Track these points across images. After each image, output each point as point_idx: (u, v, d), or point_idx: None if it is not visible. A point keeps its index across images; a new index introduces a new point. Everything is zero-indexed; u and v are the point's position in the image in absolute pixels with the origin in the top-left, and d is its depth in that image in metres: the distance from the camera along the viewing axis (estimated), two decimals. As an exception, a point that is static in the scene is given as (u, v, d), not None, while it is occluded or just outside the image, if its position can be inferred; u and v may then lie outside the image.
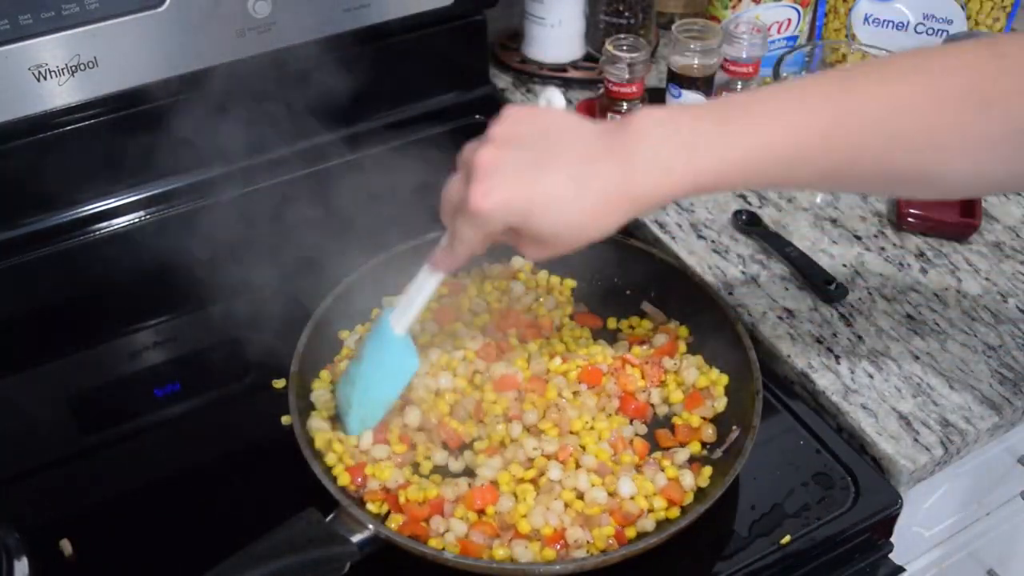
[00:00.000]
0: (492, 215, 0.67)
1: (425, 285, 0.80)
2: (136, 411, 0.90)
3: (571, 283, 0.99)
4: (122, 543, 0.79)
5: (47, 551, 0.77)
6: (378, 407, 0.83)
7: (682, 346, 0.92)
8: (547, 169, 0.66)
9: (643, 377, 0.88)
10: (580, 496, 0.79)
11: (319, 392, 0.86)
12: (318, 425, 0.83)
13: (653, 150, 0.66)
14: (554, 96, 0.76)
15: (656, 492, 0.79)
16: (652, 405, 0.87)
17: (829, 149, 0.65)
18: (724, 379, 0.88)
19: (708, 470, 0.81)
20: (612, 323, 0.95)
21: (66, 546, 0.77)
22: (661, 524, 0.78)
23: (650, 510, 0.78)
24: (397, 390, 0.83)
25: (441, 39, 1.14)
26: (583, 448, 0.82)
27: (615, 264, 0.96)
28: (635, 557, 0.74)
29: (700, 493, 0.80)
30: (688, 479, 0.80)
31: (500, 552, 0.75)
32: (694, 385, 0.87)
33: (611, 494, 0.79)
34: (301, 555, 0.71)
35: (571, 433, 0.83)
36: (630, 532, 0.77)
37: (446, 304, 0.95)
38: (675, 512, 0.78)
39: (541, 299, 0.96)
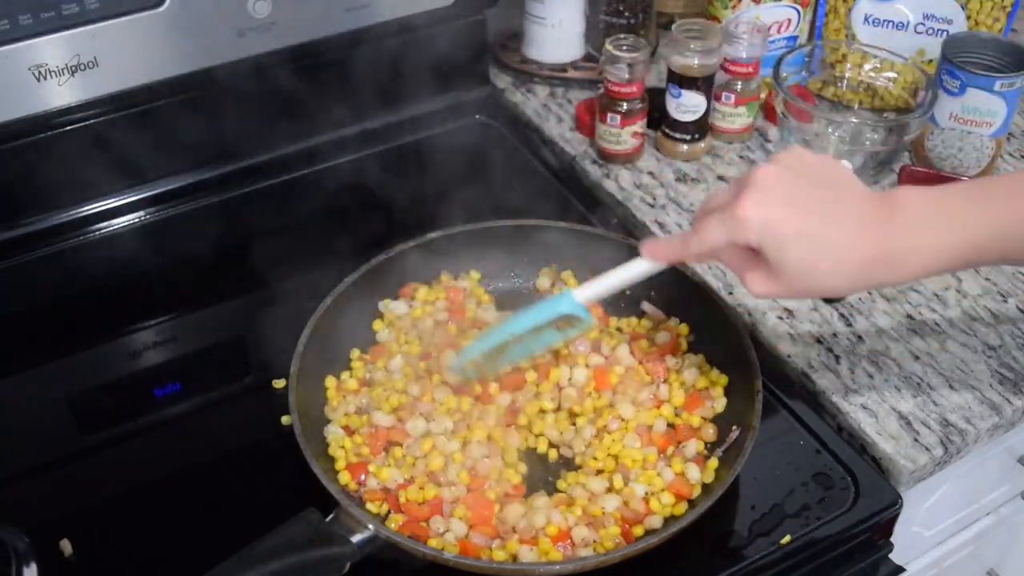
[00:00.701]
0: (752, 225, 0.68)
1: (629, 269, 0.80)
2: (136, 411, 0.90)
3: (572, 284, 0.99)
4: (122, 543, 0.79)
5: (47, 551, 0.77)
6: (503, 358, 0.85)
7: (684, 344, 0.92)
8: (820, 206, 0.68)
9: (647, 373, 0.89)
10: (590, 497, 0.79)
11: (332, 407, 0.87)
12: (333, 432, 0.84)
13: (921, 225, 0.68)
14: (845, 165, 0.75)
15: (664, 487, 0.79)
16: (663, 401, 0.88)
17: None
18: (724, 380, 0.88)
19: (714, 462, 0.81)
20: (612, 322, 0.95)
21: (66, 546, 0.77)
22: (667, 521, 0.78)
23: (656, 506, 0.79)
24: (545, 345, 0.86)
25: (441, 39, 1.14)
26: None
27: (615, 264, 0.96)
28: (636, 557, 0.74)
29: (704, 489, 0.80)
30: (695, 472, 0.80)
31: (500, 553, 0.75)
32: (694, 386, 0.87)
33: (618, 491, 0.79)
34: (301, 555, 0.71)
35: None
36: (637, 530, 0.77)
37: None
38: (681, 508, 0.78)
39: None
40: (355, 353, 0.92)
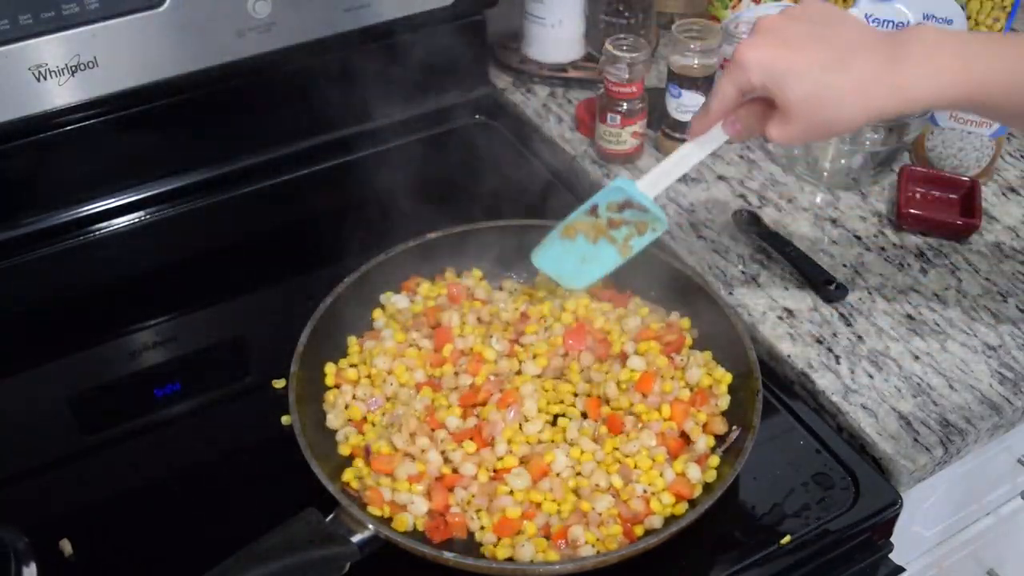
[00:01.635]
0: (751, 65, 0.71)
1: (683, 159, 0.83)
2: (136, 411, 0.90)
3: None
4: (122, 543, 0.79)
5: (47, 551, 0.77)
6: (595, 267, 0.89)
7: (688, 339, 0.92)
8: (817, 42, 0.70)
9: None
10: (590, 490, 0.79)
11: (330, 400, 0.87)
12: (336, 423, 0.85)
13: (927, 53, 0.68)
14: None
15: (665, 487, 0.79)
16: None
17: None
18: (728, 377, 0.87)
19: (715, 460, 0.81)
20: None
21: (66, 546, 0.77)
22: (667, 521, 0.78)
23: (657, 506, 0.78)
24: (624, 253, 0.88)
25: (441, 39, 1.14)
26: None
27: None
28: (635, 557, 0.74)
29: (704, 489, 0.80)
30: (695, 472, 0.80)
31: (501, 552, 0.75)
32: (698, 384, 0.87)
33: (618, 491, 0.79)
34: (301, 555, 0.71)
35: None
36: (638, 530, 0.77)
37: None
38: (681, 508, 0.78)
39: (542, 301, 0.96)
40: (351, 340, 0.92)
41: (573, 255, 0.89)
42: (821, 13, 0.73)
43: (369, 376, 0.88)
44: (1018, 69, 0.67)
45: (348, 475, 0.80)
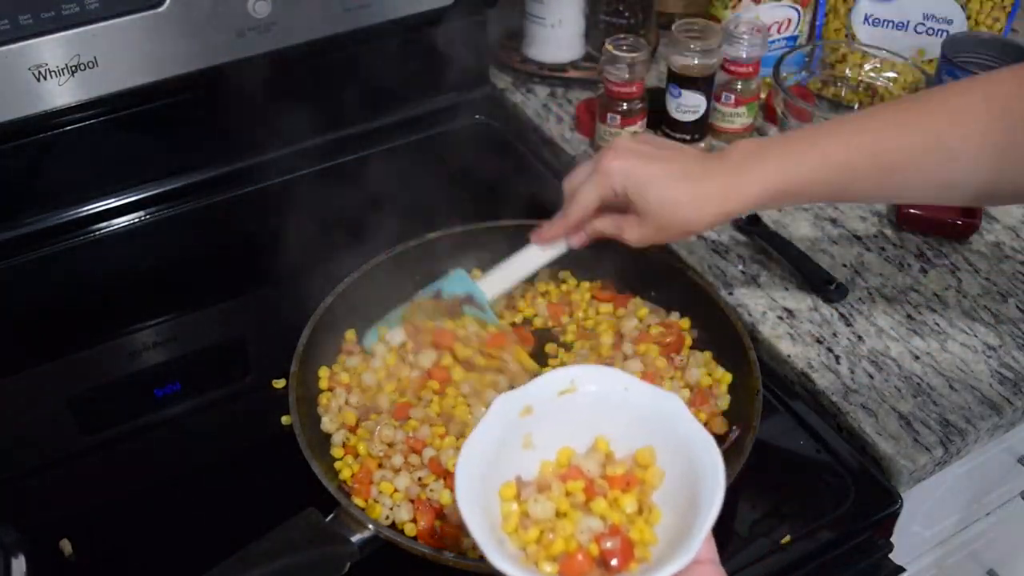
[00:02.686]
0: (614, 173, 0.82)
1: (527, 261, 0.91)
2: (136, 411, 0.90)
3: (571, 284, 0.99)
4: (122, 543, 0.79)
5: (47, 551, 0.77)
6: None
7: (688, 339, 0.91)
8: (669, 160, 0.82)
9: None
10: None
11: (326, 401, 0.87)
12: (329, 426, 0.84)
13: (753, 162, 0.80)
14: None
15: None
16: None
17: (878, 167, 0.77)
18: (728, 377, 0.87)
19: None
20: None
21: (66, 546, 0.77)
22: None
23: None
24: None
25: (441, 39, 1.14)
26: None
27: (614, 264, 0.96)
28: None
29: None
30: None
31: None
32: (698, 384, 0.87)
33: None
34: (301, 555, 0.71)
35: None
36: None
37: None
38: None
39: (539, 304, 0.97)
40: (349, 334, 0.92)
41: None
42: (666, 142, 0.90)
43: (359, 387, 0.88)
44: (816, 167, 0.78)
45: (344, 473, 0.80)
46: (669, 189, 0.81)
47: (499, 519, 0.59)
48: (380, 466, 0.80)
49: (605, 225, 0.86)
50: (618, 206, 0.84)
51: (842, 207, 1.10)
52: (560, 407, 0.62)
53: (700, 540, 0.54)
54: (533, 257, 0.90)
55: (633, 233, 0.84)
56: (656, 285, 0.96)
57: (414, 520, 0.77)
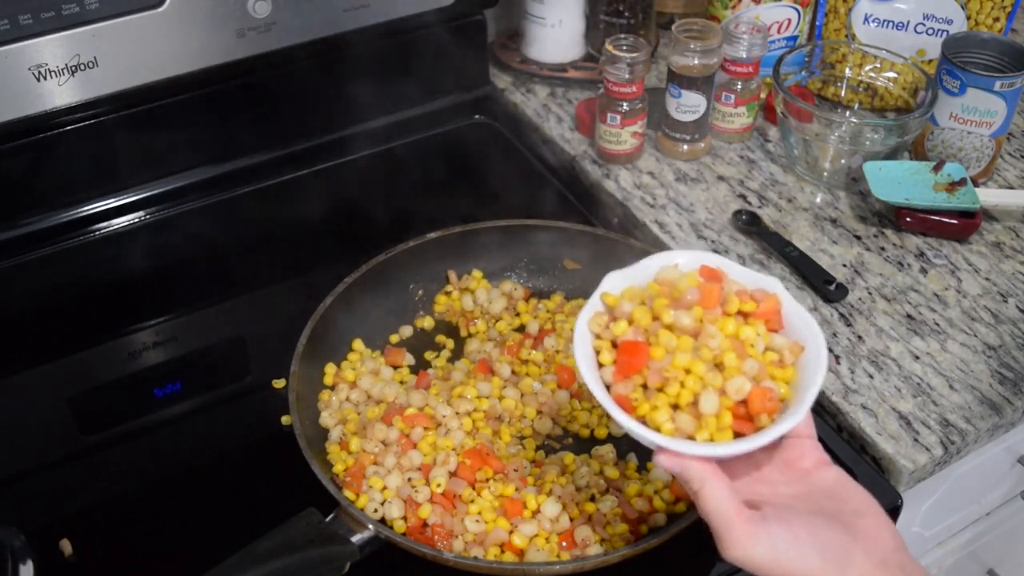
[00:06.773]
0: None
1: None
2: (136, 411, 0.90)
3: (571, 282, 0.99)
4: (122, 543, 0.79)
5: (47, 551, 0.77)
6: None
7: None
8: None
9: None
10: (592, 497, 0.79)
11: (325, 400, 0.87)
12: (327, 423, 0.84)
13: None
14: None
15: (665, 485, 0.79)
16: None
17: None
18: None
19: None
20: None
21: (66, 546, 0.77)
22: (671, 520, 0.78)
23: (659, 503, 0.78)
24: None
25: (441, 39, 1.14)
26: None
27: (614, 264, 0.96)
28: (635, 556, 0.74)
29: None
30: None
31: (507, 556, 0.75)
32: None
33: (618, 489, 0.79)
34: (301, 555, 0.71)
35: None
36: (643, 529, 0.77)
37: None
38: (683, 506, 0.78)
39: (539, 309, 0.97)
40: (357, 344, 0.92)
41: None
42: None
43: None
44: None
45: (338, 467, 0.80)
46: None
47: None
48: (374, 463, 0.80)
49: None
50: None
51: (841, 207, 1.10)
52: None
53: (809, 403, 0.59)
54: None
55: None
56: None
57: (404, 518, 0.77)
